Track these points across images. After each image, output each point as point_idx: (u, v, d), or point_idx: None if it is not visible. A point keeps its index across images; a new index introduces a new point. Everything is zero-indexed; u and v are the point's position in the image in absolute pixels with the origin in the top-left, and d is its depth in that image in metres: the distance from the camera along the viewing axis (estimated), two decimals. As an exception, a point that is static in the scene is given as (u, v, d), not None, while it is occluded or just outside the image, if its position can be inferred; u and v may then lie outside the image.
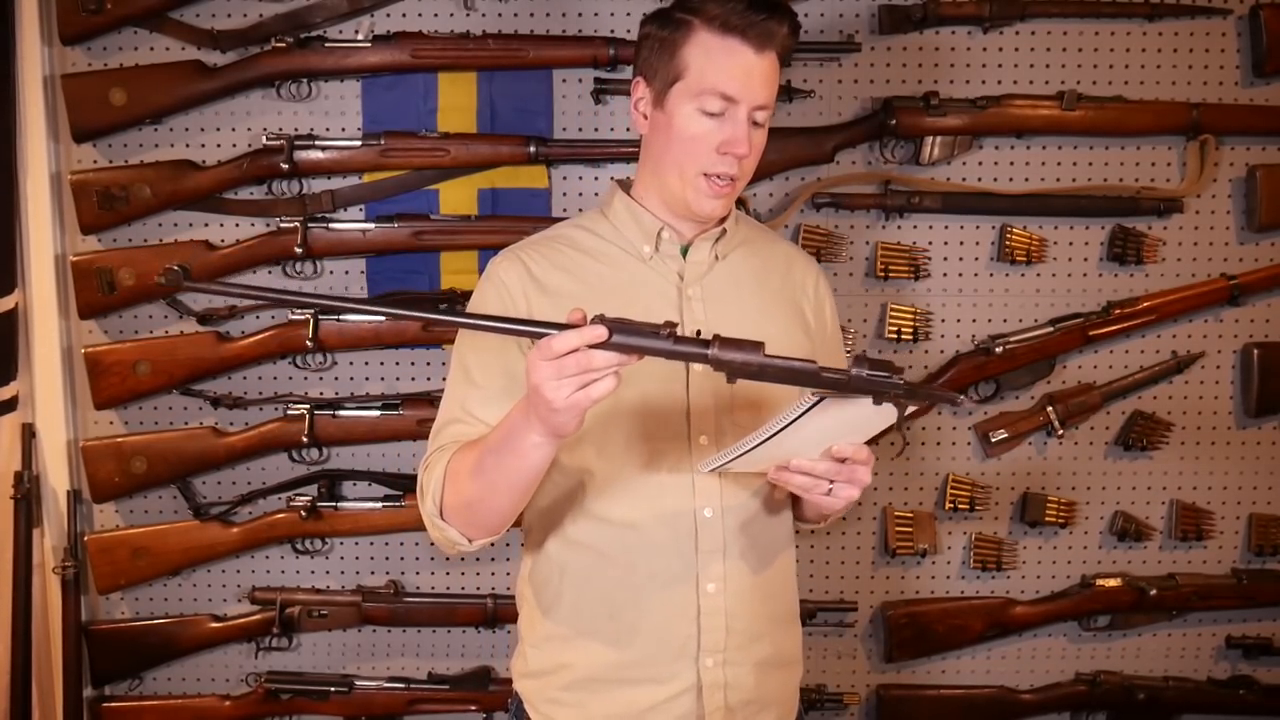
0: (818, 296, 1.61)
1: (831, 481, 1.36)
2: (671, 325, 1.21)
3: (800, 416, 1.26)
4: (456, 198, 2.32)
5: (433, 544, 2.39)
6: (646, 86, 1.47)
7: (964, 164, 2.33)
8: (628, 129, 2.28)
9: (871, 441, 1.39)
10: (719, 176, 1.44)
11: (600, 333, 1.19)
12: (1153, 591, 2.38)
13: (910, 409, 1.30)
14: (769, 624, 1.53)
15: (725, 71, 1.41)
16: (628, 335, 1.20)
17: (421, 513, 1.46)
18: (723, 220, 1.53)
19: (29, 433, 2.32)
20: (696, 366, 1.45)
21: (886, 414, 1.32)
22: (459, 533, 1.43)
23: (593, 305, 1.42)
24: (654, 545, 1.46)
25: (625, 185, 1.56)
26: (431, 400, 2.29)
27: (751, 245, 1.58)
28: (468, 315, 1.33)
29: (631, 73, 1.52)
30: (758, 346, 1.22)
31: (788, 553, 1.58)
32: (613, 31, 2.27)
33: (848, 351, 2.35)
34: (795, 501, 1.58)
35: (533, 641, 1.54)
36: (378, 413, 2.31)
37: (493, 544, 1.52)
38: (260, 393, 2.36)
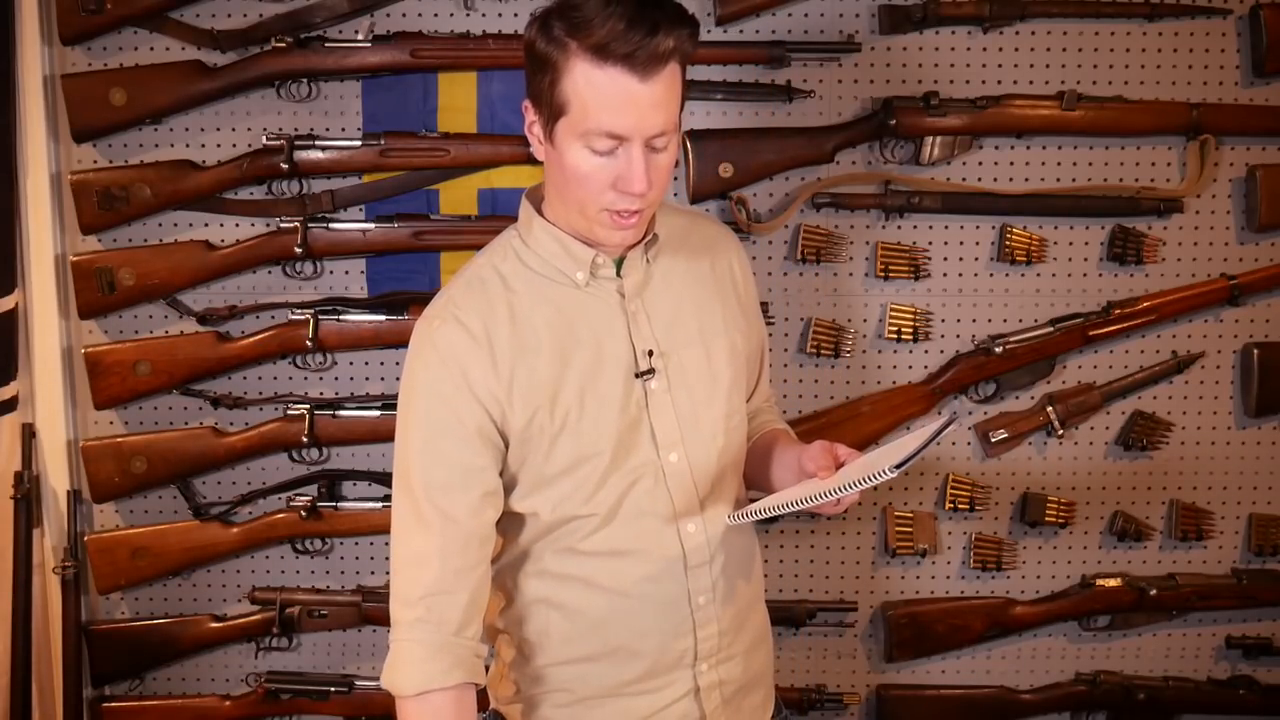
0: (742, 268, 1.57)
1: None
2: None
3: (847, 493, 1.32)
4: (456, 198, 2.32)
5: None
6: (534, 111, 1.35)
7: (964, 164, 2.33)
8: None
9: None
10: (620, 213, 1.33)
11: None
12: (1153, 591, 2.38)
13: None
14: (748, 610, 1.53)
15: (608, 109, 1.26)
16: None
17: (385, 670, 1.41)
18: (649, 228, 1.44)
19: (29, 433, 2.32)
20: (652, 385, 1.43)
21: (897, 454, 1.34)
22: None
23: (544, 349, 1.38)
24: (642, 568, 1.44)
25: (535, 199, 1.46)
26: (431, 400, 2.29)
27: (673, 240, 1.49)
28: None
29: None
30: None
31: (753, 536, 1.57)
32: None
33: (847, 351, 2.35)
34: (749, 469, 1.60)
35: (521, 670, 1.50)
36: (378, 413, 2.30)
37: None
38: (260, 393, 2.36)
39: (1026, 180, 2.34)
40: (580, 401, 1.40)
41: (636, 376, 1.42)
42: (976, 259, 2.37)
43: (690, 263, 1.50)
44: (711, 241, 1.55)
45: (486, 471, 1.39)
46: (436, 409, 1.38)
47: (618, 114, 1.27)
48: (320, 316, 2.28)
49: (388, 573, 2.40)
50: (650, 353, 1.43)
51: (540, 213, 1.45)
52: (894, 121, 2.26)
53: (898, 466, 1.25)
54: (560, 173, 1.34)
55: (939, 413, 2.38)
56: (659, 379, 1.43)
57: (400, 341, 2.31)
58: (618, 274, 1.44)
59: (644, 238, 1.44)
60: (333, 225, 2.29)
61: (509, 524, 1.46)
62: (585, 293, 1.42)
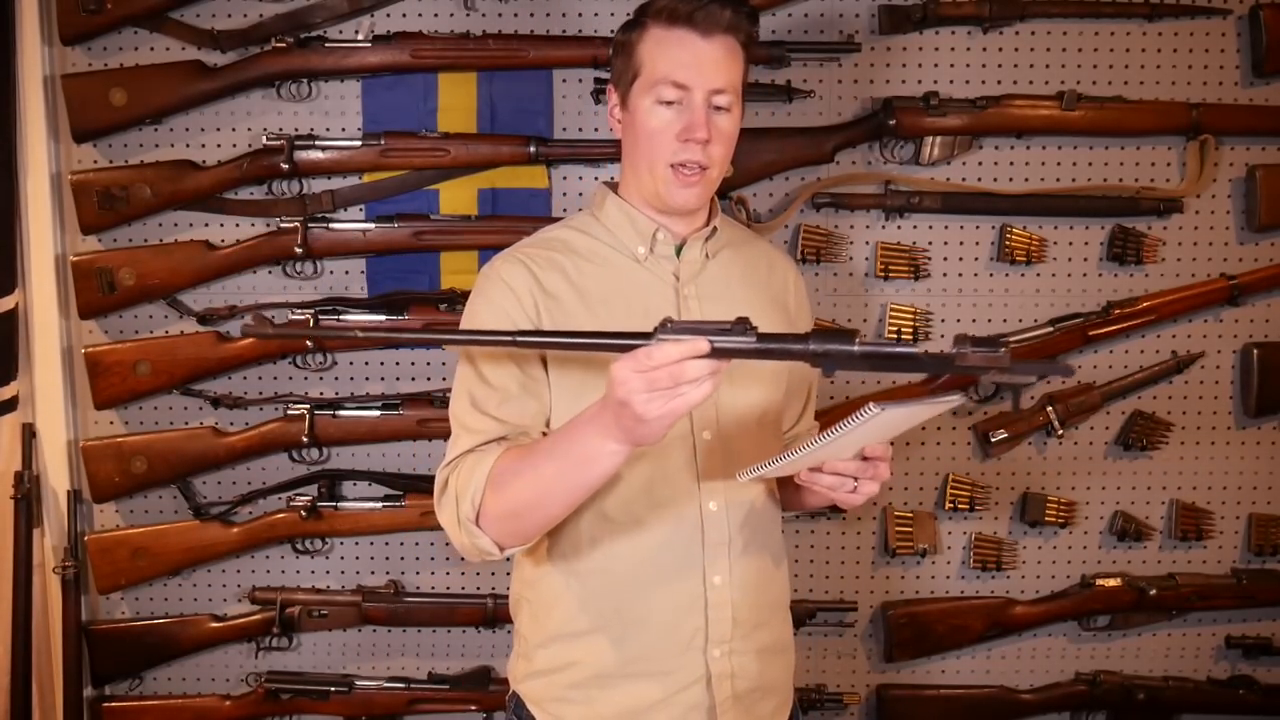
0: (797, 294, 1.66)
1: (856, 479, 1.40)
2: (749, 323, 1.21)
3: (859, 426, 1.24)
4: (456, 198, 2.32)
5: (433, 544, 2.41)
6: (615, 91, 1.53)
7: (964, 164, 2.33)
8: (628, 129, 2.28)
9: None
10: (685, 166, 1.46)
11: (702, 346, 1.18)
12: (1152, 591, 2.38)
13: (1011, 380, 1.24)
14: (769, 611, 1.56)
15: (673, 60, 1.45)
16: (715, 338, 1.18)
17: (450, 517, 1.41)
18: (710, 219, 1.56)
19: (29, 433, 2.32)
20: None
21: (925, 413, 1.33)
22: (492, 541, 1.40)
23: (592, 309, 1.47)
24: (660, 541, 1.47)
25: (613, 187, 1.58)
26: (431, 400, 2.29)
27: (734, 246, 1.61)
28: (554, 335, 1.37)
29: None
30: (850, 336, 1.18)
31: (779, 539, 1.60)
32: (612, 32, 2.27)
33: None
34: (783, 488, 1.60)
35: (537, 642, 1.54)
36: (378, 413, 2.31)
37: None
38: (260, 393, 2.36)
39: (1026, 180, 2.35)
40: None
41: None
42: (976, 259, 2.37)
43: (747, 267, 1.60)
44: (771, 258, 1.66)
45: (529, 361, 1.46)
46: (488, 313, 1.47)
47: (681, 65, 1.44)
48: (320, 316, 2.28)
49: (388, 573, 2.42)
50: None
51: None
52: (894, 121, 2.27)
53: (882, 407, 1.23)
54: (633, 135, 1.49)
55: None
56: None
57: (400, 341, 2.31)
58: (677, 257, 1.53)
59: (705, 225, 1.54)
60: (333, 225, 2.29)
61: None
62: (643, 268, 1.52)
